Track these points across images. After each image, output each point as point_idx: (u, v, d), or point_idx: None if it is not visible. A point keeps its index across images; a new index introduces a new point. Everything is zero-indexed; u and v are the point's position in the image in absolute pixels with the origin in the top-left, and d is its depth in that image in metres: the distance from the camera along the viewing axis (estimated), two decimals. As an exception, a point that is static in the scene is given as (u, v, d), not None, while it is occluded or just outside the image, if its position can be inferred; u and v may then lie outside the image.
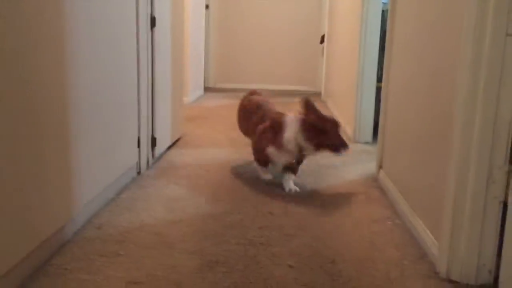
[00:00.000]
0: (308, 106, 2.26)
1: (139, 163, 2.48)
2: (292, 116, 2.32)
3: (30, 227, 1.43)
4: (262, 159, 2.41)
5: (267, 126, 2.38)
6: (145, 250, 1.65)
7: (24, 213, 1.39)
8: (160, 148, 2.81)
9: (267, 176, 2.46)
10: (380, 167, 2.54)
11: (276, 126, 2.33)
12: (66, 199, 1.66)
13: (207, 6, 6.35)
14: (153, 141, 2.68)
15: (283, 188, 2.34)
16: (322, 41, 6.16)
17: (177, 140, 3.27)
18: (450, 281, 1.49)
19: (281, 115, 2.41)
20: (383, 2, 3.40)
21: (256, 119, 2.49)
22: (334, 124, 2.26)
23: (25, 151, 1.38)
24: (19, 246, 1.38)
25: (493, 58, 1.34)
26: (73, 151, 1.68)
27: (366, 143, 3.43)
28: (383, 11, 3.38)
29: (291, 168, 2.39)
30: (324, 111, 2.33)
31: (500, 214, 1.42)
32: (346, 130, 3.78)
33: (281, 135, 2.29)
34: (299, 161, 2.42)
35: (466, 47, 1.39)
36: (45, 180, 1.50)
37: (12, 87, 1.30)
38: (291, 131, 2.26)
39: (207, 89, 6.47)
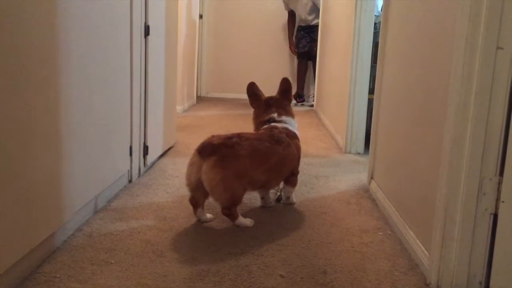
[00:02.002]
0: (287, 87, 2.32)
1: (130, 171, 2.47)
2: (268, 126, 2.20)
3: (18, 234, 1.42)
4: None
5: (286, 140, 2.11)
6: (135, 258, 1.64)
7: (12, 220, 1.38)
8: (152, 156, 2.80)
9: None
10: (371, 177, 2.55)
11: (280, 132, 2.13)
12: (56, 206, 1.64)
13: (200, 16, 6.38)
14: (145, 150, 2.67)
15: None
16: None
17: (169, 149, 3.26)
18: (441, 292, 1.49)
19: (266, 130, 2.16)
20: (375, 15, 3.44)
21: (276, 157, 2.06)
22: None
23: (14, 157, 1.37)
24: (8, 253, 1.36)
25: (484, 71, 1.36)
26: (64, 158, 1.67)
27: (358, 154, 3.45)
28: (375, 23, 3.41)
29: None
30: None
31: (491, 226, 1.43)
32: (338, 140, 3.79)
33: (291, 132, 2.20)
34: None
35: (457, 59, 1.41)
36: (35, 186, 1.49)
37: (3, 93, 1.29)
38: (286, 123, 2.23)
39: (199, 98, 6.48)
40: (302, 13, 6.13)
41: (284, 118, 2.24)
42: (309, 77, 6.57)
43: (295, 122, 2.30)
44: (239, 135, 1.97)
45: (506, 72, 1.36)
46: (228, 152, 1.88)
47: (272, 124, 2.19)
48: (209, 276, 1.54)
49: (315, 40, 6.06)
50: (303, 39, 6.23)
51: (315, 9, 6.01)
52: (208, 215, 2.02)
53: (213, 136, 1.96)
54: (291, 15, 6.42)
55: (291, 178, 2.23)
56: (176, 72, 3.43)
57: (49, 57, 1.53)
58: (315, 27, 6.04)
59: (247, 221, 1.97)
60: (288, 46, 6.69)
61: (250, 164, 1.93)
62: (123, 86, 2.28)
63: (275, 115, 2.23)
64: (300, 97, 6.42)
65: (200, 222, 2.00)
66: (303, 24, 6.23)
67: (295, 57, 6.51)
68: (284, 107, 2.28)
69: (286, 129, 2.18)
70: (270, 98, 2.31)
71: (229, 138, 1.94)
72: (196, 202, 1.99)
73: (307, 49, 6.22)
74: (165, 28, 2.93)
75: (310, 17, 6.10)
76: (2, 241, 1.32)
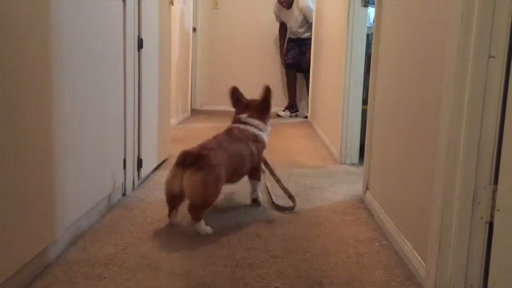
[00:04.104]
0: (266, 94, 2.43)
1: (124, 184, 2.46)
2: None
3: (10, 249, 1.40)
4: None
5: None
6: (130, 272, 1.62)
7: (4, 234, 1.36)
8: (146, 169, 2.79)
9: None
10: (366, 188, 2.55)
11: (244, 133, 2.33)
12: (49, 220, 1.63)
13: (194, 29, 6.40)
14: (139, 163, 2.66)
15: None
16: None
17: (163, 162, 3.25)
18: (438, 302, 1.48)
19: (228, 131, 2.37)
20: (367, 26, 3.46)
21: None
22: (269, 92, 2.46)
23: (6, 171, 1.36)
24: (0, 269, 1.35)
25: (477, 80, 1.37)
26: (57, 171, 1.66)
27: (353, 164, 3.45)
28: (367, 35, 3.44)
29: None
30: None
31: (487, 235, 1.43)
32: (333, 151, 3.79)
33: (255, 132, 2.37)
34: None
35: (449, 69, 1.41)
36: (27, 200, 1.48)
37: (-3, 107, 1.29)
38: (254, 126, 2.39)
39: (193, 111, 6.47)
40: (293, 26, 6.17)
41: (250, 120, 2.38)
42: (301, 89, 6.59)
43: (267, 127, 2.44)
44: (206, 146, 2.11)
45: (498, 81, 1.36)
46: (206, 162, 2.00)
47: (234, 125, 2.37)
48: (205, 289, 1.52)
49: (305, 53, 6.09)
50: (292, 51, 6.27)
51: (306, 23, 6.05)
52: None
53: (187, 150, 2.04)
54: (282, 25, 6.46)
55: (253, 173, 2.38)
56: (170, 85, 3.43)
57: (42, 70, 1.53)
58: (306, 40, 6.08)
59: (207, 229, 2.02)
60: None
61: (224, 168, 2.07)
62: (116, 99, 2.27)
63: (244, 115, 2.39)
64: (293, 108, 6.44)
65: (197, 234, 1.98)
66: (293, 37, 6.26)
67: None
68: (261, 111, 2.42)
69: (247, 130, 2.33)
70: (253, 101, 2.46)
71: (203, 148, 2.08)
72: (174, 204, 2.09)
73: (295, 61, 6.25)
74: (158, 41, 2.94)
75: (301, 30, 6.14)
76: (-6, 256, 1.31)
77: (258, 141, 2.35)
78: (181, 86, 5.35)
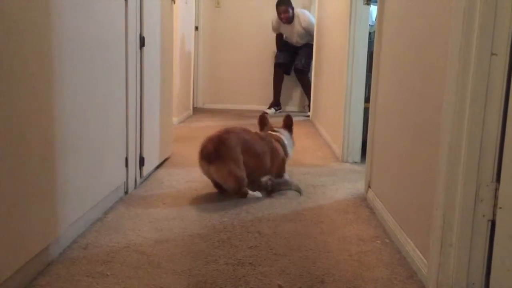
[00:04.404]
0: (289, 122, 3.01)
1: (126, 182, 2.46)
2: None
3: (13, 247, 1.40)
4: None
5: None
6: (132, 270, 1.62)
7: (6, 232, 1.36)
8: (148, 167, 2.79)
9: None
10: (368, 186, 2.55)
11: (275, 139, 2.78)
12: (51, 218, 1.63)
13: (196, 28, 6.40)
14: (141, 161, 2.66)
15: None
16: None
17: (165, 160, 3.25)
18: (440, 300, 1.48)
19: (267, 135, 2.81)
20: (370, 25, 3.45)
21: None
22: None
23: (8, 168, 1.36)
24: (2, 267, 1.35)
25: (479, 77, 1.36)
26: (59, 169, 1.66)
27: (355, 162, 3.44)
28: (369, 33, 3.43)
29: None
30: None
31: (489, 233, 1.42)
32: (335, 150, 3.79)
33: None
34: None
35: (451, 66, 1.41)
36: (29, 198, 1.48)
37: (-1, 104, 1.29)
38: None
39: (195, 109, 6.48)
40: (293, 38, 6.21)
41: (281, 130, 2.90)
42: (291, 89, 6.65)
43: (293, 142, 2.96)
44: (227, 131, 2.51)
45: (501, 78, 1.36)
46: (224, 151, 2.38)
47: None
48: (207, 287, 1.52)
49: (298, 54, 6.13)
50: (285, 52, 6.32)
51: (307, 35, 6.08)
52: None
53: (208, 139, 2.45)
54: (279, 34, 6.50)
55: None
56: (172, 83, 3.43)
57: (43, 68, 1.53)
58: (302, 44, 6.15)
59: (257, 193, 2.52)
60: None
61: (240, 149, 2.44)
62: (118, 98, 2.27)
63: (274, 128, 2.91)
64: (278, 106, 6.49)
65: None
66: (290, 43, 6.31)
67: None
68: (286, 128, 2.98)
69: (277, 136, 2.80)
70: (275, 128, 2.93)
71: (219, 137, 2.44)
72: (221, 189, 2.56)
73: (285, 62, 6.30)
74: (160, 40, 2.94)
75: (302, 41, 6.21)
76: (-4, 254, 1.31)
77: (280, 143, 2.77)
78: (183, 84, 5.35)
